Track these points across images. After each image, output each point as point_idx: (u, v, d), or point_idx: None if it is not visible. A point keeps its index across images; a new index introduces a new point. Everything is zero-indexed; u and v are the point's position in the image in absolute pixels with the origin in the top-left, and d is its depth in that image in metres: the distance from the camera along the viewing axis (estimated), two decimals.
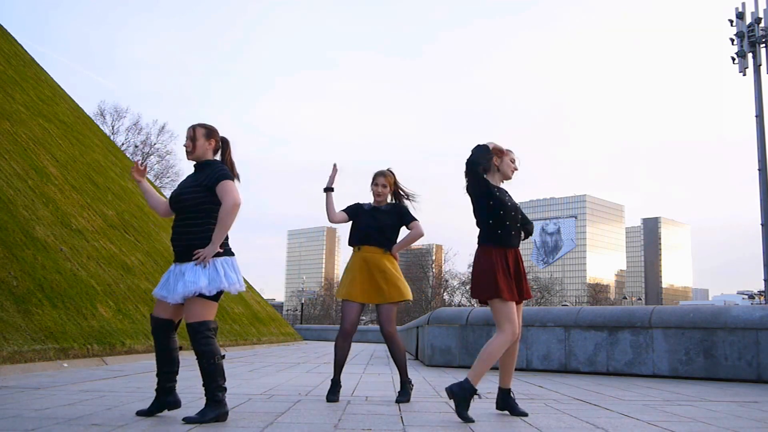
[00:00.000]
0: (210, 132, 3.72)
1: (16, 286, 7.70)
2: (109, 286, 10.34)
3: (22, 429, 3.12)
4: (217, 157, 3.77)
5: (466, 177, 3.91)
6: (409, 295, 4.56)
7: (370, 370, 8.19)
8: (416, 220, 4.68)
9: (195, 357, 3.45)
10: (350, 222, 4.76)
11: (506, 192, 3.98)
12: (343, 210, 4.74)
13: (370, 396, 4.96)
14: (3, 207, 9.08)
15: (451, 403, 4.02)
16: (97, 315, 9.06)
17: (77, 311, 8.59)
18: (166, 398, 3.61)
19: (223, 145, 3.80)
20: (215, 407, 3.39)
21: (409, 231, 4.69)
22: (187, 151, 3.68)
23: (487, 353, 3.73)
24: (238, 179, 3.75)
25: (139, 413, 3.62)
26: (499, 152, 3.94)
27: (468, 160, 3.86)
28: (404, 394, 4.55)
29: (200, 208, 3.55)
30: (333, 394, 4.51)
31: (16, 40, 20.65)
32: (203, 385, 3.44)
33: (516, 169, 4.01)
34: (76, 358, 7.65)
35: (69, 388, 5.14)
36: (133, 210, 16.02)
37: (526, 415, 3.89)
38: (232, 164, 3.78)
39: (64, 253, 9.70)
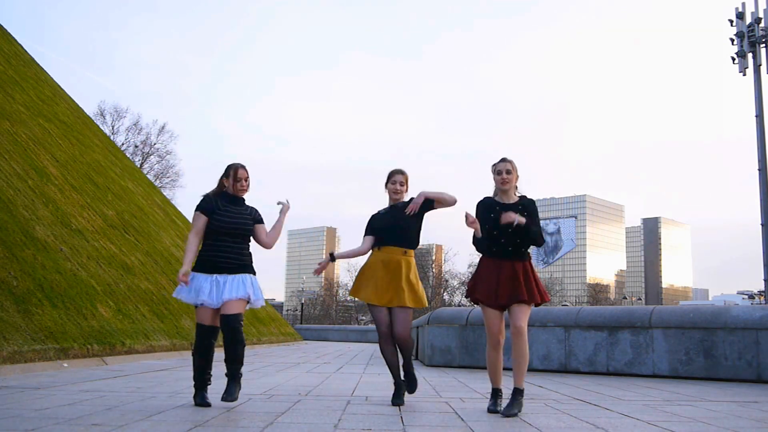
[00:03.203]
0: None
1: (16, 286, 7.70)
2: (109, 286, 10.34)
3: (22, 429, 3.12)
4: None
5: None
6: (425, 303, 4.45)
7: (370, 370, 8.19)
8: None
9: (224, 345, 4.10)
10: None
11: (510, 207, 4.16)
12: (367, 235, 4.57)
13: (370, 396, 4.96)
14: (3, 207, 9.08)
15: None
16: (97, 315, 9.06)
17: (77, 311, 8.59)
18: (204, 393, 4.20)
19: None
20: (238, 384, 4.10)
21: (440, 199, 4.48)
22: (242, 190, 4.34)
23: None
24: None
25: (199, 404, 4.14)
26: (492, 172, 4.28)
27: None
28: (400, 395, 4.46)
29: (248, 235, 4.36)
30: (397, 397, 4.42)
31: (16, 40, 20.66)
32: (230, 368, 4.08)
33: (504, 180, 4.20)
34: (76, 358, 7.64)
35: (69, 388, 5.14)
36: (133, 210, 16.02)
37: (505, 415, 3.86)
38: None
39: (64, 253, 9.70)
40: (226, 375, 4.13)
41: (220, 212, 4.24)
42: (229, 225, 4.24)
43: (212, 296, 4.12)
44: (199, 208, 4.28)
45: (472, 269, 57.56)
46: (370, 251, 4.54)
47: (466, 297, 4.50)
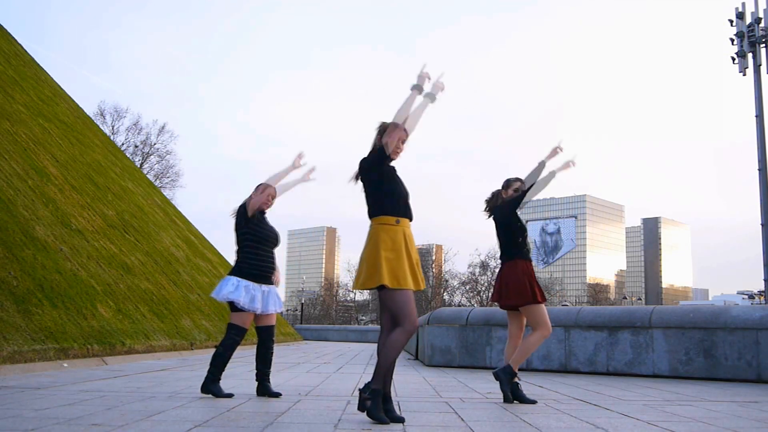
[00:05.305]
0: None
1: (16, 286, 7.70)
2: (109, 286, 10.34)
3: (22, 429, 3.12)
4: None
5: (498, 207, 4.80)
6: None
7: (370, 370, 8.18)
8: None
9: (261, 351, 4.80)
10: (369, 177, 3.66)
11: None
12: (381, 194, 3.59)
13: None
14: (3, 207, 9.08)
15: (496, 384, 4.96)
16: (97, 315, 9.06)
17: (77, 311, 8.58)
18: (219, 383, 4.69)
19: None
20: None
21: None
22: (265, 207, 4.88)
23: (526, 346, 4.58)
24: None
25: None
26: (506, 189, 4.87)
27: (514, 199, 4.77)
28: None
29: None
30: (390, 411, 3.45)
31: (15, 40, 20.66)
32: (266, 370, 4.74)
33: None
34: (76, 358, 7.64)
35: (69, 388, 5.13)
36: (133, 210, 16.01)
37: (534, 402, 4.50)
38: None
39: (64, 253, 9.70)
40: (258, 378, 4.73)
41: (263, 222, 4.80)
42: (275, 234, 4.84)
43: (263, 305, 4.68)
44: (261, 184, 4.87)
45: (473, 269, 57.47)
46: (388, 223, 3.52)
47: (529, 303, 4.60)
